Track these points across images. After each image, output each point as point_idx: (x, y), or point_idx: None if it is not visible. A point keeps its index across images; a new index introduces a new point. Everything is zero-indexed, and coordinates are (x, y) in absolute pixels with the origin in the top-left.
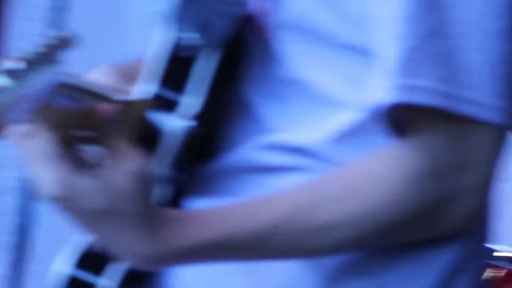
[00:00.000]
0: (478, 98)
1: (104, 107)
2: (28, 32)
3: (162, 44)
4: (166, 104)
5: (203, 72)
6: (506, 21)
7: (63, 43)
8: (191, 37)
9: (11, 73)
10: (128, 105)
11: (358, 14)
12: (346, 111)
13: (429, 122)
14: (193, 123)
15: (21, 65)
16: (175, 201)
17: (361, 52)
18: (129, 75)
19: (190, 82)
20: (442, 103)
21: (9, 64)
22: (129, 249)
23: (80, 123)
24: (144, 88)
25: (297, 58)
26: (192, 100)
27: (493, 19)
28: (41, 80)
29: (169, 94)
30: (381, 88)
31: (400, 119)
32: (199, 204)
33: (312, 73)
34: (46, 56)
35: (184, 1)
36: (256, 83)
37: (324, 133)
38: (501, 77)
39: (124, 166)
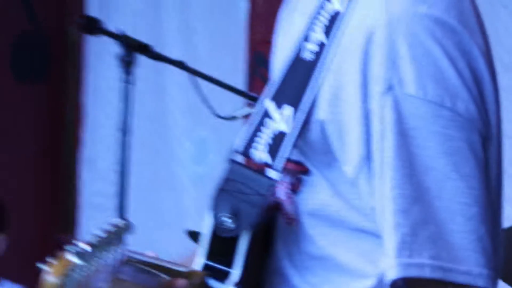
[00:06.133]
0: (467, 269)
1: (178, 280)
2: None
3: (207, 226)
4: (217, 274)
5: (241, 248)
6: (481, 205)
7: (123, 229)
8: (226, 221)
9: (80, 254)
10: (188, 275)
11: (368, 206)
12: (362, 280)
13: None
14: None
15: (88, 248)
16: None
17: (372, 234)
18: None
19: (234, 256)
20: (438, 275)
21: (77, 247)
22: None
23: None
24: (199, 261)
25: (321, 238)
26: (235, 271)
27: (470, 205)
28: (106, 259)
29: (218, 266)
30: (387, 266)
31: None
32: None
33: (334, 250)
34: (109, 240)
35: (218, 192)
36: (290, 257)
37: None
38: (483, 250)
39: None
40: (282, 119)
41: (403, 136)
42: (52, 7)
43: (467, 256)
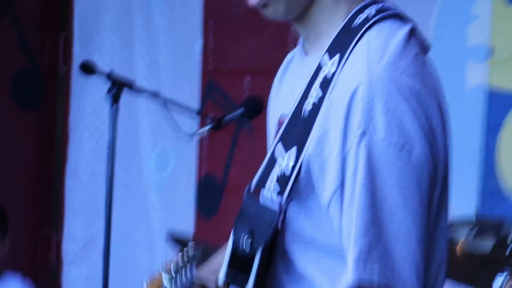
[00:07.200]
0: (402, 285)
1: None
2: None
3: (229, 244)
4: (237, 281)
5: (256, 260)
6: (419, 231)
7: (194, 255)
8: (244, 240)
9: (169, 274)
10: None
11: (336, 229)
12: None
13: None
14: None
15: (174, 269)
16: None
17: (338, 254)
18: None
19: (251, 267)
20: None
21: (168, 266)
22: None
23: None
24: (223, 270)
25: (300, 258)
26: (251, 278)
27: (411, 230)
28: (184, 278)
29: (238, 273)
30: (346, 275)
31: None
32: None
33: (310, 270)
34: (186, 263)
35: (238, 218)
36: (287, 270)
37: None
38: (416, 269)
39: None
40: (288, 160)
41: (371, 171)
42: (46, 47)
43: (404, 274)
